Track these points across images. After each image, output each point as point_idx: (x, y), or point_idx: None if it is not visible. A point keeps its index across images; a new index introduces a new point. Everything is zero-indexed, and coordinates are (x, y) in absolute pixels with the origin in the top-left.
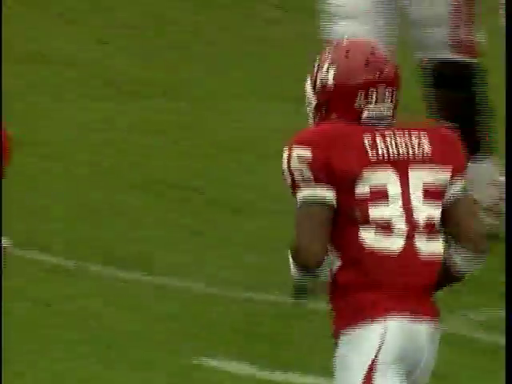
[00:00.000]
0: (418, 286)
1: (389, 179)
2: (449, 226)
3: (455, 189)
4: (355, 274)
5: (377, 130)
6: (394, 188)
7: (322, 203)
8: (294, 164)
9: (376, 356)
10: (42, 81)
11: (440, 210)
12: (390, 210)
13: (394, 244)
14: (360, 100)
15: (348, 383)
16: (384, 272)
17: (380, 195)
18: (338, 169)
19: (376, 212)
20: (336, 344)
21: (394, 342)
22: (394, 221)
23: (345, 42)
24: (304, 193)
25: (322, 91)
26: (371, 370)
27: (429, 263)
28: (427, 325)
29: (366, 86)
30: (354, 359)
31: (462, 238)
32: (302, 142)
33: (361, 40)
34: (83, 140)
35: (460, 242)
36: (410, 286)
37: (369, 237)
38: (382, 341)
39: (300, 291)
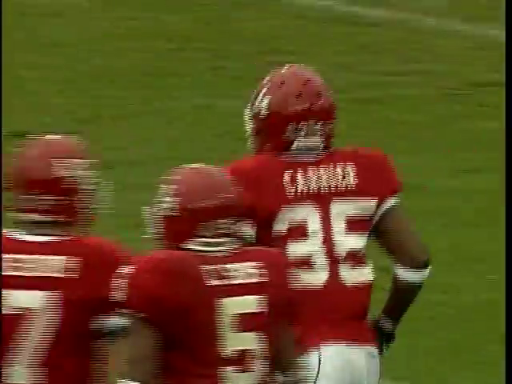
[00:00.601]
0: (348, 314)
1: (308, 215)
2: (383, 243)
3: (383, 208)
4: None
5: (299, 166)
6: (314, 224)
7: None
8: None
9: (314, 383)
10: None
11: (365, 238)
12: (310, 246)
13: (316, 278)
14: (290, 131)
15: None
16: (310, 306)
17: (298, 232)
18: (255, 207)
19: (295, 249)
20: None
21: (330, 368)
22: (313, 256)
23: (283, 71)
24: None
25: (256, 119)
26: None
27: (355, 291)
28: (361, 348)
29: (297, 118)
30: None
31: (397, 252)
32: None
33: (298, 69)
34: None
35: (395, 256)
36: (339, 315)
37: None
38: (319, 368)
39: None
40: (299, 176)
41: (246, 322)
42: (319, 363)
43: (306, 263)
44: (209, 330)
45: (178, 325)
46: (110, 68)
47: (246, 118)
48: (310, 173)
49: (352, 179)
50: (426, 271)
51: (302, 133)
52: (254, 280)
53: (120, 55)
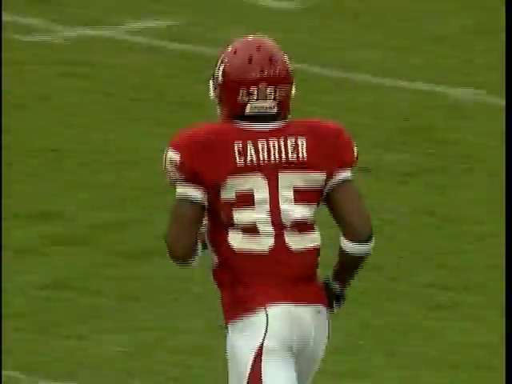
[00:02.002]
0: (293, 276)
1: (256, 184)
2: (331, 213)
3: (333, 180)
4: (230, 273)
5: (250, 136)
6: (262, 193)
7: (191, 202)
8: (168, 165)
9: (262, 342)
10: None
11: (314, 208)
12: (256, 214)
13: (263, 244)
14: (242, 96)
15: (237, 370)
16: (255, 270)
17: (245, 200)
18: (203, 174)
19: (241, 216)
20: (226, 335)
21: (277, 327)
22: (259, 223)
23: (238, 40)
24: (178, 190)
25: (215, 86)
26: (258, 355)
27: (302, 256)
28: (307, 307)
29: (248, 84)
30: (241, 347)
31: (341, 224)
32: (173, 146)
33: (253, 37)
34: None
35: (340, 227)
36: (285, 278)
37: (236, 239)
38: (267, 327)
39: None
40: (249, 146)
41: None
42: (267, 322)
43: (252, 230)
44: None
45: None
46: None
47: (210, 86)
48: (260, 144)
49: (302, 153)
50: (369, 245)
51: (254, 97)
52: None
53: None
